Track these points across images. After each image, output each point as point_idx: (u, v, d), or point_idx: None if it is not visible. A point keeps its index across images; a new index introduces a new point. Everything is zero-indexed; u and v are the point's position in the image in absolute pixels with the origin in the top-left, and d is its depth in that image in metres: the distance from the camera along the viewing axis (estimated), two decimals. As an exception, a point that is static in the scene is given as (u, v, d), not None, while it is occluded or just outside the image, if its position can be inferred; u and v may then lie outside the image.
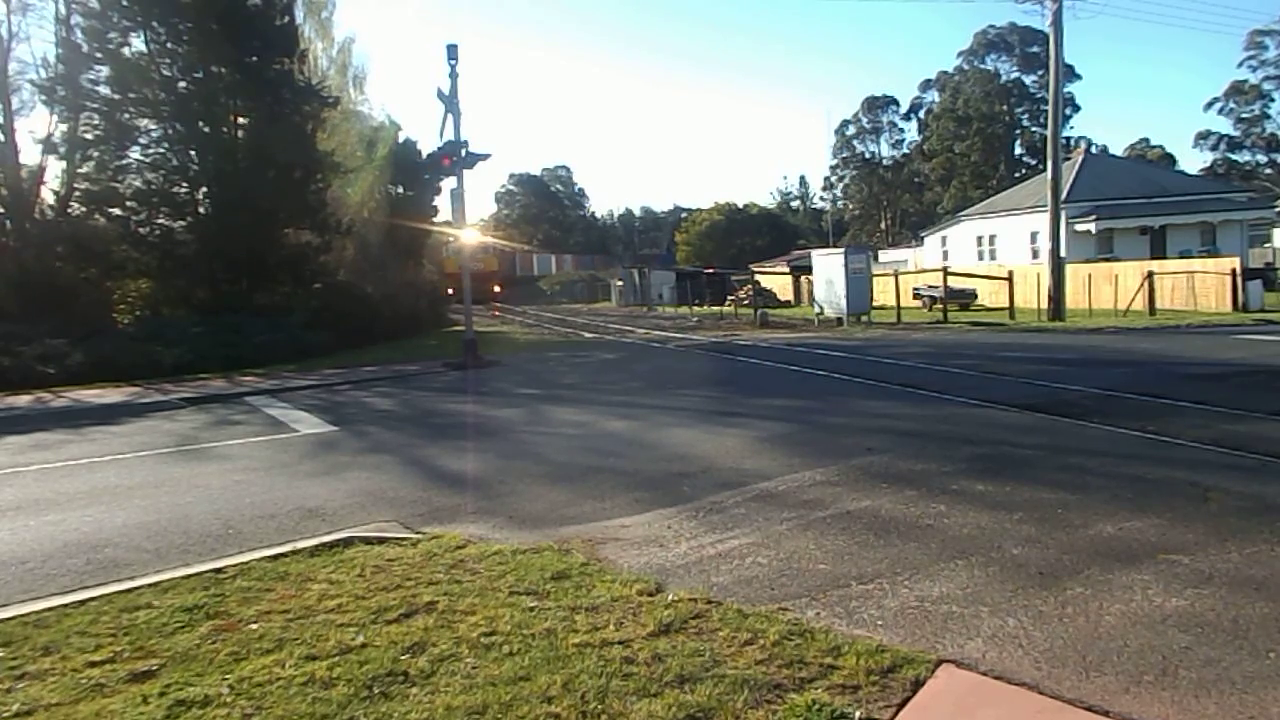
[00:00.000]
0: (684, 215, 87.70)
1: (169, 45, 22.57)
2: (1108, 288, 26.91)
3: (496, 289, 53.37)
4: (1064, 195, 27.71)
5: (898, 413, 10.10)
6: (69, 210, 22.94)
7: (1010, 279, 27.37)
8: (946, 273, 29.44)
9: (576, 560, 5.04)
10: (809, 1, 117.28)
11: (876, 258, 45.39)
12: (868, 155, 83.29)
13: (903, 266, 41.52)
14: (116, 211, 22.50)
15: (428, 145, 37.25)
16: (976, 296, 31.51)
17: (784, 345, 18.97)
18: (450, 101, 17.51)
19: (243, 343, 19.35)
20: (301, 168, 23.76)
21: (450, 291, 39.95)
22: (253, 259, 22.33)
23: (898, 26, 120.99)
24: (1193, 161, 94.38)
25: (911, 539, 5.27)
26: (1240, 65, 66.16)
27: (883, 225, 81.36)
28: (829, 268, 26.61)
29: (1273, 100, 64.03)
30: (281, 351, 19.61)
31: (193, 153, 22.87)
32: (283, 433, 10.49)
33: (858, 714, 3.18)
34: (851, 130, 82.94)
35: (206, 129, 22.79)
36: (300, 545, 5.54)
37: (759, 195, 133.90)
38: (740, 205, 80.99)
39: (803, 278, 38.97)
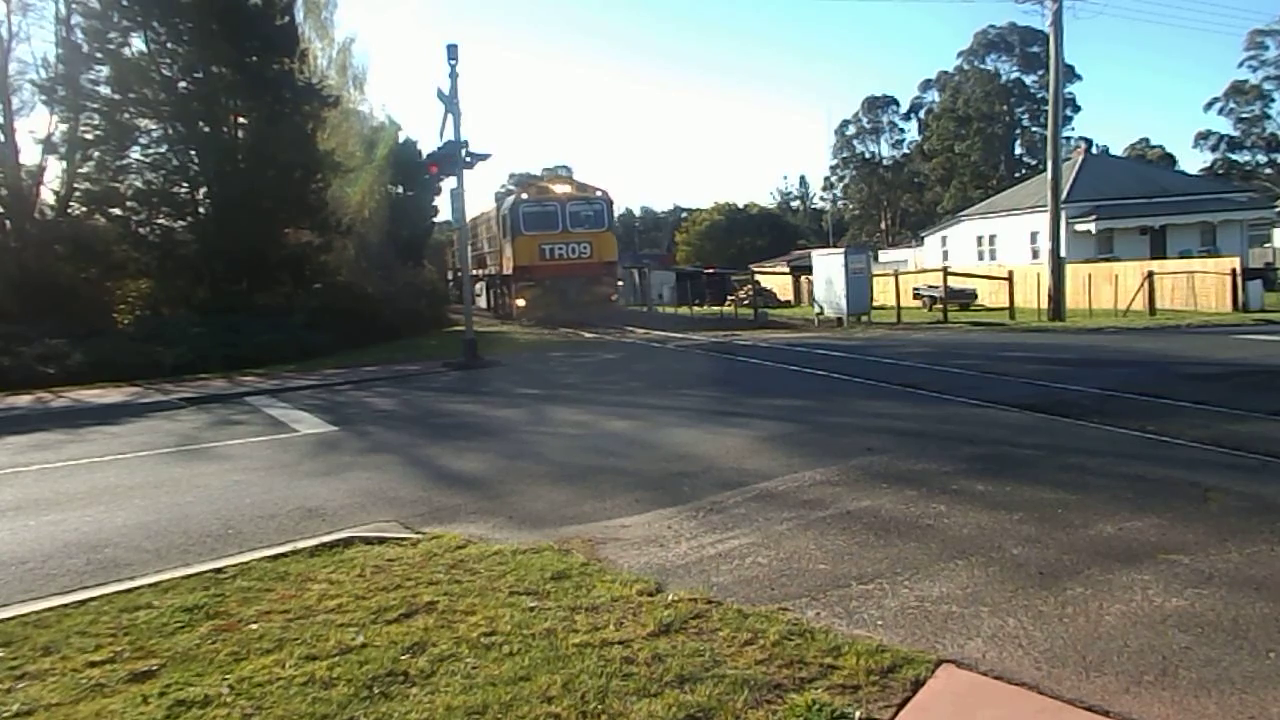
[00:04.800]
0: (684, 215, 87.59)
1: (169, 45, 22.55)
2: (1108, 288, 26.90)
3: (611, 296, 29.32)
4: (1064, 195, 27.71)
5: (898, 413, 10.10)
6: (69, 210, 22.93)
7: (1010, 279, 27.35)
8: (946, 273, 29.43)
9: (576, 560, 5.04)
10: (809, 2, 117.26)
11: (876, 258, 45.37)
12: (868, 155, 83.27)
13: (903, 266, 41.51)
14: (116, 211, 22.49)
15: (428, 145, 36.77)
16: (976, 296, 31.50)
17: (784, 345, 18.97)
18: (450, 101, 17.50)
19: (243, 343, 19.33)
20: (301, 168, 23.74)
21: (522, 303, 27.48)
22: (253, 259, 22.31)
23: (898, 26, 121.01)
24: (1193, 161, 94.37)
25: (911, 539, 5.27)
26: (1240, 65, 66.21)
27: (883, 225, 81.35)
28: (829, 268, 26.60)
29: (1273, 100, 64.07)
30: (282, 351, 19.58)
31: (193, 153, 22.85)
32: (283, 433, 10.49)
33: (858, 714, 3.18)
34: (851, 130, 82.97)
35: (206, 129, 22.78)
36: (300, 545, 5.54)
37: (759, 195, 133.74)
38: (740, 205, 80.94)
39: (803, 278, 38.95)
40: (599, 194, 28.69)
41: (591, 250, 27.85)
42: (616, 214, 28.86)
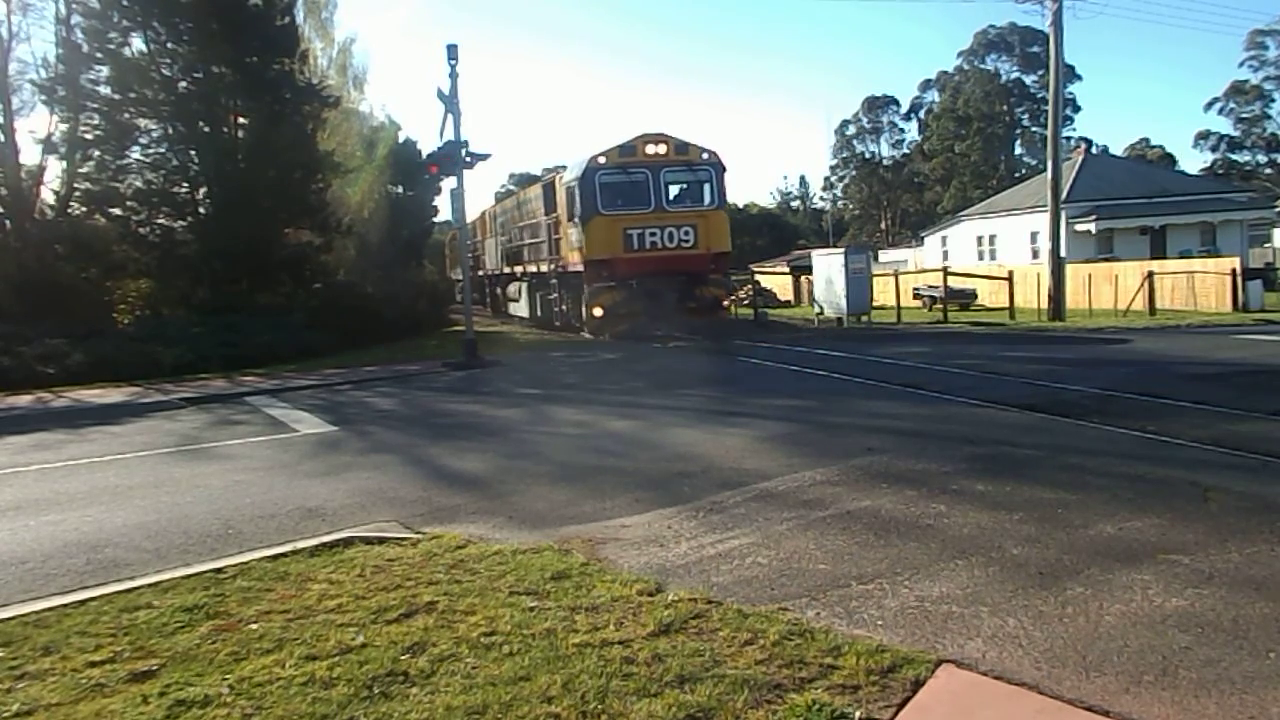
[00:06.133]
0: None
1: (169, 45, 22.60)
2: (1108, 288, 26.90)
3: (723, 301, 22.42)
4: (1064, 195, 27.71)
5: (898, 412, 10.10)
6: (69, 210, 22.99)
7: (1010, 279, 27.36)
8: (946, 273, 29.44)
9: (576, 560, 5.04)
10: (809, 2, 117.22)
11: (876, 258, 45.32)
12: (868, 155, 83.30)
13: (903, 266, 41.52)
14: (116, 211, 22.54)
15: (428, 145, 36.40)
16: (976, 296, 31.50)
17: (784, 345, 18.96)
18: (450, 101, 17.50)
19: (243, 342, 19.33)
20: (302, 168, 23.77)
21: (599, 312, 20.11)
22: (253, 259, 22.33)
23: (898, 27, 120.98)
24: (1193, 161, 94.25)
25: (911, 539, 5.27)
26: (1241, 65, 66.21)
27: (883, 225, 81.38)
28: (829, 267, 26.58)
29: (1273, 100, 64.12)
30: (282, 351, 19.59)
31: (193, 153, 22.89)
32: (283, 433, 10.49)
33: (858, 714, 3.18)
34: (851, 130, 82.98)
35: (207, 129, 22.81)
36: (300, 545, 5.54)
37: (759, 195, 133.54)
38: (740, 205, 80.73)
39: (803, 278, 38.90)
40: (705, 156, 21.02)
41: (696, 237, 20.40)
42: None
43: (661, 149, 20.74)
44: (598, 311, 20.19)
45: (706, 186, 21.12)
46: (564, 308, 23.49)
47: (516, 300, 28.50)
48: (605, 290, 20.12)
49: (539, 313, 26.06)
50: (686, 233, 20.41)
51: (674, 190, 21.01)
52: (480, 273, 34.69)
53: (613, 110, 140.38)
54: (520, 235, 27.29)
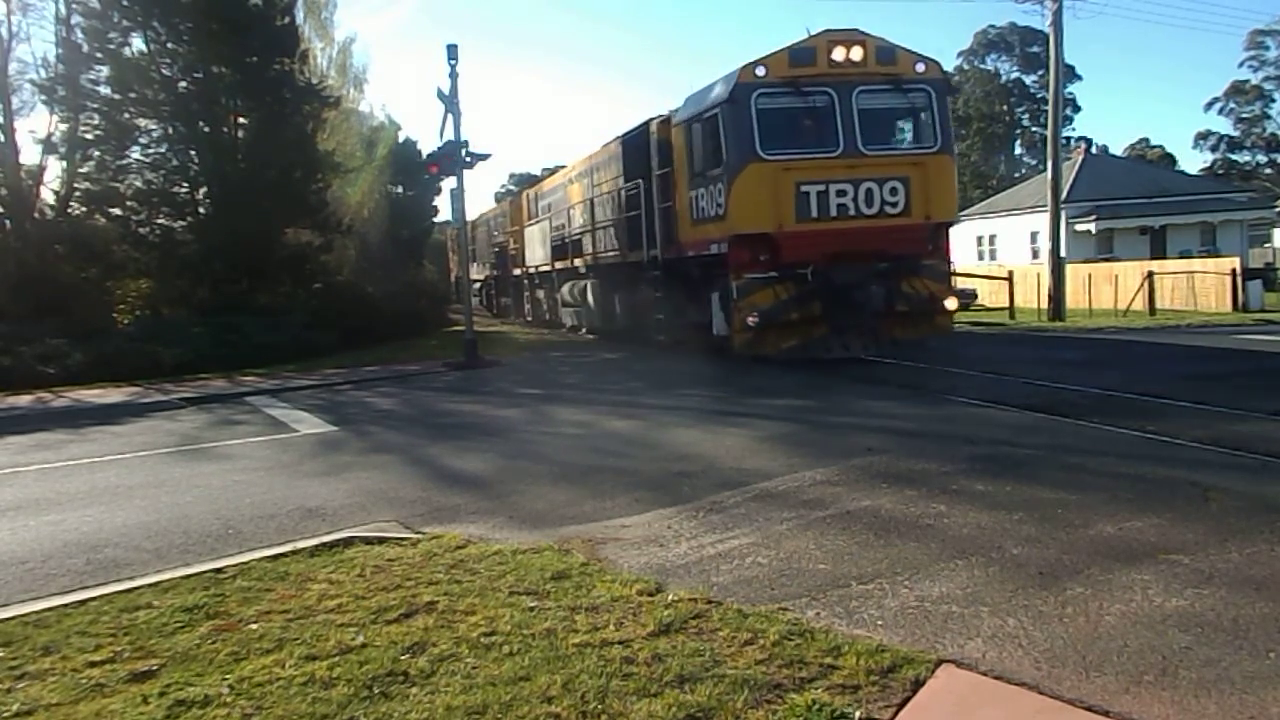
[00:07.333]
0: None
1: (169, 45, 22.59)
2: (1108, 288, 26.91)
3: (945, 302, 13.85)
4: (1064, 195, 27.71)
5: (898, 412, 10.09)
6: (69, 210, 22.98)
7: (1010, 279, 27.37)
8: (947, 272, 29.42)
9: (576, 560, 5.04)
10: (807, 7, 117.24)
11: (877, 258, 45.18)
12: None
13: (903, 266, 41.48)
14: (116, 211, 22.54)
15: (428, 145, 36.45)
16: (976, 296, 31.48)
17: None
18: (450, 101, 17.50)
19: (243, 343, 19.34)
20: (302, 167, 23.76)
21: (754, 319, 13.24)
22: (253, 259, 22.33)
23: (897, 26, 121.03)
24: (1193, 161, 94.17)
25: (911, 539, 5.27)
26: (1241, 65, 66.20)
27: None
28: (829, 267, 26.51)
29: (1273, 100, 64.05)
30: (282, 351, 19.59)
31: (193, 153, 22.88)
32: (283, 433, 10.49)
33: (858, 714, 3.18)
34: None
35: (207, 129, 22.81)
36: (300, 545, 5.54)
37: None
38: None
39: (803, 278, 38.76)
40: (920, 68, 13.74)
41: (908, 197, 13.37)
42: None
43: (856, 54, 13.32)
44: (752, 319, 13.20)
45: (923, 116, 13.84)
46: (666, 314, 16.75)
47: (576, 305, 21.80)
48: (763, 285, 13.22)
49: (619, 319, 19.27)
50: (894, 190, 13.36)
51: (875, 120, 13.64)
52: (516, 271, 29.33)
53: (612, 116, 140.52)
54: (584, 217, 20.45)
